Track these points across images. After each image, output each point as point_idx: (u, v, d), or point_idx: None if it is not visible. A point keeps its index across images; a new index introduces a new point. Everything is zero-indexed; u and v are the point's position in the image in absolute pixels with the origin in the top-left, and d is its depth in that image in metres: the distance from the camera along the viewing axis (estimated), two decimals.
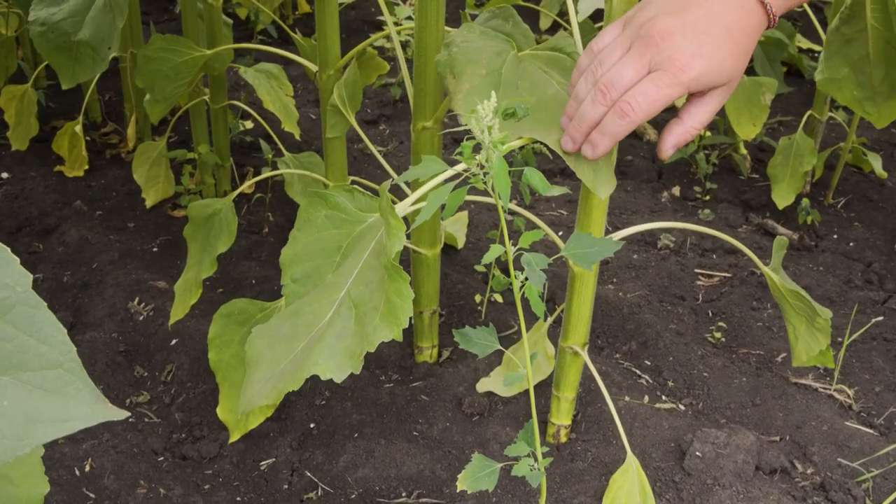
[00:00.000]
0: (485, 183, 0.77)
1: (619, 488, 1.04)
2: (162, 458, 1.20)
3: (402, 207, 0.86)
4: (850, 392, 1.33)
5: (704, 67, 0.79)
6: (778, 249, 1.16)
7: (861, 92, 1.08)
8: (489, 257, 0.78)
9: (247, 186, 1.94)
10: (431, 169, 0.80)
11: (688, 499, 1.07)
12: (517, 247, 0.80)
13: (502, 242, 0.80)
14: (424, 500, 1.11)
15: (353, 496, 1.12)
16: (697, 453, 1.11)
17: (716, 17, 0.80)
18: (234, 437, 1.20)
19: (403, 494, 1.12)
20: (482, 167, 0.76)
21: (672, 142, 0.86)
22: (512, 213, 1.71)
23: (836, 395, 1.32)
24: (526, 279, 0.78)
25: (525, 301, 1.27)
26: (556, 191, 0.81)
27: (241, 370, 1.21)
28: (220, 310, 1.22)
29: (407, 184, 1.36)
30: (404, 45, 2.42)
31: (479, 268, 1.50)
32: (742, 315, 1.54)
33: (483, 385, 1.29)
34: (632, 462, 1.05)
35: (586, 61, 0.85)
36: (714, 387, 1.32)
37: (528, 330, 1.33)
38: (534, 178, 0.79)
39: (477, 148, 0.76)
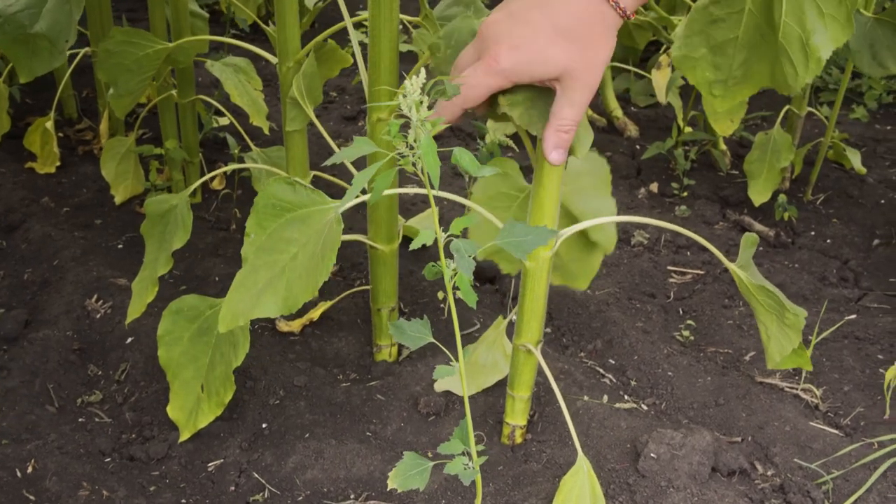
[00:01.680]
0: (414, 165, 0.74)
1: (569, 490, 1.01)
2: (109, 459, 1.17)
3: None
4: (818, 392, 1.30)
5: (520, 58, 0.81)
6: (747, 246, 1.13)
7: (715, 74, 1.08)
8: (417, 243, 0.76)
9: (216, 182, 1.91)
10: (361, 150, 0.78)
11: (641, 501, 1.04)
12: (448, 233, 0.77)
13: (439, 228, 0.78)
14: (372, 502, 1.08)
15: (300, 498, 1.10)
16: (652, 454, 1.08)
17: (544, 7, 0.80)
18: (183, 437, 1.18)
19: (352, 496, 1.09)
20: (412, 147, 0.73)
21: (551, 143, 0.87)
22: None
23: (802, 394, 1.29)
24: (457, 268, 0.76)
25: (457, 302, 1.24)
26: (487, 171, 0.78)
27: (191, 367, 1.18)
28: (169, 306, 1.19)
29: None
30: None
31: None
32: (713, 313, 1.51)
33: (441, 384, 1.26)
34: (583, 464, 1.02)
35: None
36: (678, 386, 1.29)
37: (488, 327, 1.30)
38: (463, 158, 0.76)
39: (405, 127, 0.74)
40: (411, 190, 1.11)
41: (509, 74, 0.82)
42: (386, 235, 1.26)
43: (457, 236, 0.76)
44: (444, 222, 1.74)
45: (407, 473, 0.79)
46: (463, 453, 0.81)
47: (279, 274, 1.00)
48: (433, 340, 0.80)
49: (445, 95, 0.81)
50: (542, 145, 0.88)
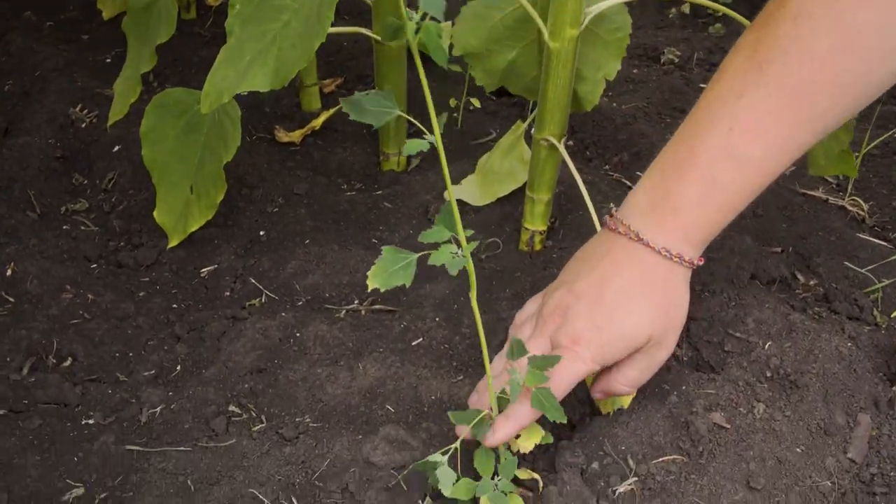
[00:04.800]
0: None
1: None
2: (95, 266, 1.09)
3: None
4: (865, 205, 1.19)
5: (605, 341, 0.74)
6: None
7: None
8: None
9: None
10: None
11: None
12: None
13: None
14: (378, 306, 1.00)
15: (300, 303, 1.01)
16: None
17: (609, 281, 0.75)
18: (172, 242, 1.09)
19: (356, 301, 1.01)
20: None
21: (598, 389, 0.81)
22: None
23: (848, 206, 1.18)
24: (422, 19, 0.60)
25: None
26: None
27: (178, 168, 1.08)
28: (153, 100, 1.08)
29: None
30: None
31: (455, 67, 1.34)
32: None
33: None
34: None
35: (511, 331, 0.83)
36: None
37: (506, 132, 1.19)
38: None
39: None
40: None
41: (598, 359, 0.74)
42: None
43: None
44: None
45: (389, 270, 0.67)
46: (450, 241, 0.69)
47: (269, 45, 0.88)
48: (401, 113, 0.65)
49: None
50: (593, 385, 0.81)
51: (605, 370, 0.79)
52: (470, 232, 0.69)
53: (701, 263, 0.76)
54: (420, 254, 0.67)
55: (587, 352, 0.73)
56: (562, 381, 0.73)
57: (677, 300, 0.76)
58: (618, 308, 0.74)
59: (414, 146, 0.64)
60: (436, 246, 0.69)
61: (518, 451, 0.76)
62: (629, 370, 0.77)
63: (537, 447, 0.83)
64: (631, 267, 0.75)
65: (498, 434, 0.73)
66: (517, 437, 0.76)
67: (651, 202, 0.75)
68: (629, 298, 0.74)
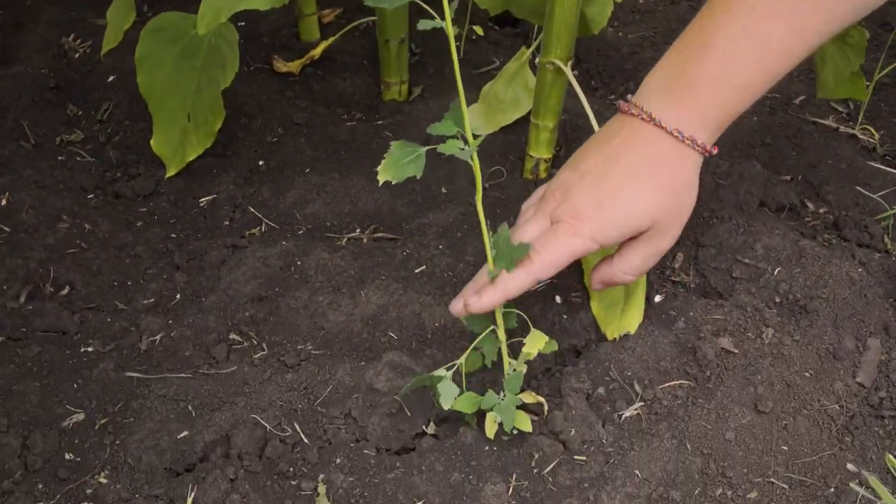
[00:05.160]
0: None
1: None
2: (91, 196, 1.07)
3: None
4: (876, 134, 1.17)
5: (606, 217, 0.71)
6: None
7: None
8: None
9: None
10: None
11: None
12: None
13: None
14: (380, 234, 0.98)
15: (301, 232, 1.00)
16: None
17: (616, 159, 0.73)
18: (170, 172, 1.07)
19: (357, 230, 0.99)
20: None
21: (598, 278, 0.79)
22: None
23: (858, 135, 1.16)
24: None
25: None
26: None
27: (176, 95, 1.05)
28: (147, 25, 1.05)
29: None
30: None
31: None
32: None
33: None
34: None
35: (518, 219, 0.81)
36: None
37: (509, 60, 1.16)
38: None
39: None
40: None
41: (597, 235, 0.71)
42: None
43: None
44: None
45: (400, 163, 0.66)
46: (457, 136, 0.68)
47: None
48: None
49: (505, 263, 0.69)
50: (592, 273, 0.79)
51: (606, 258, 0.77)
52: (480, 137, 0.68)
53: (715, 152, 0.74)
54: (427, 147, 0.67)
55: (586, 228, 0.71)
56: (557, 254, 0.71)
57: (686, 186, 0.74)
58: (622, 187, 0.71)
59: (425, 24, 0.63)
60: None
61: (523, 366, 0.75)
62: (632, 256, 0.75)
63: (541, 373, 0.82)
64: (640, 147, 0.72)
65: (484, 298, 0.71)
66: (522, 345, 0.74)
67: (667, 82, 0.73)
68: (636, 178, 0.72)
